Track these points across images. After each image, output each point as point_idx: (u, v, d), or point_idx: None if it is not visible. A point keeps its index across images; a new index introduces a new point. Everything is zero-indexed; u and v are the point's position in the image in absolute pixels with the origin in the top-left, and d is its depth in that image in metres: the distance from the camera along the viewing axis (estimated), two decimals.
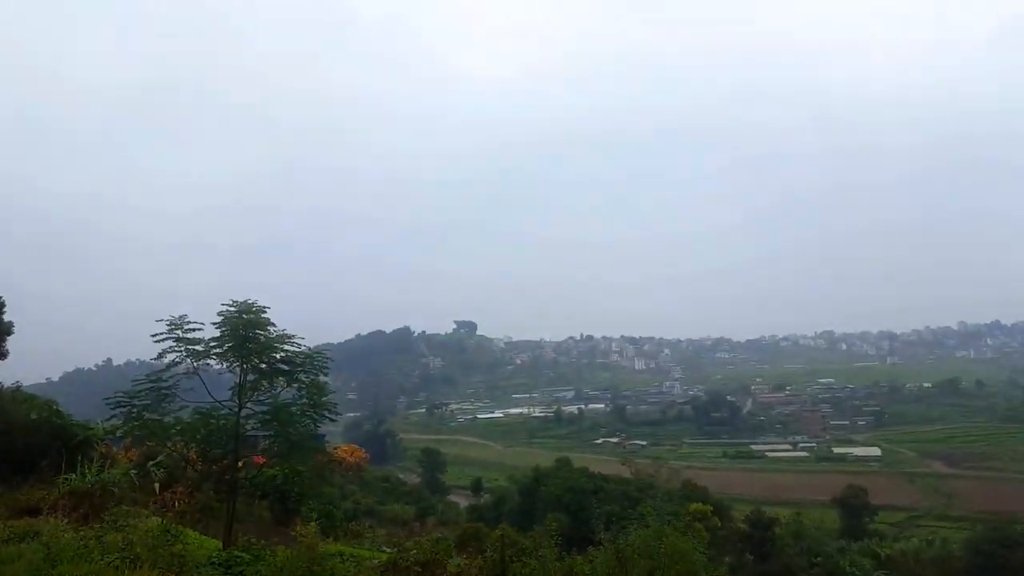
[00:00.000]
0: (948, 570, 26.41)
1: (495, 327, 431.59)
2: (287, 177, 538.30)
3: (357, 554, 17.17)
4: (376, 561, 15.35)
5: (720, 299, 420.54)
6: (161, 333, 16.47)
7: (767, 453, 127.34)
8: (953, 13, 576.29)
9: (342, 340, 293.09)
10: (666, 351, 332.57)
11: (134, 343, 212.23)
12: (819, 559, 25.43)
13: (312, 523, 11.29)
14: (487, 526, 27.64)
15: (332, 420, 19.66)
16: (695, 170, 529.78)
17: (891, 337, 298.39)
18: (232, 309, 16.67)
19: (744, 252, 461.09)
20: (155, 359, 16.70)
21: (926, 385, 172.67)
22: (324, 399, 18.57)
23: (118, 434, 18.31)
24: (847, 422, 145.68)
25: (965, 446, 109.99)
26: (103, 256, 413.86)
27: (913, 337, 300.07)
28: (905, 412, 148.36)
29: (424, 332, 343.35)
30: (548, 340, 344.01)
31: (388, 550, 19.29)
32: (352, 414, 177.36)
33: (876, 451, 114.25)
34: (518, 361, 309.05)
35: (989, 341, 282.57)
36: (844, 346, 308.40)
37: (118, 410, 16.42)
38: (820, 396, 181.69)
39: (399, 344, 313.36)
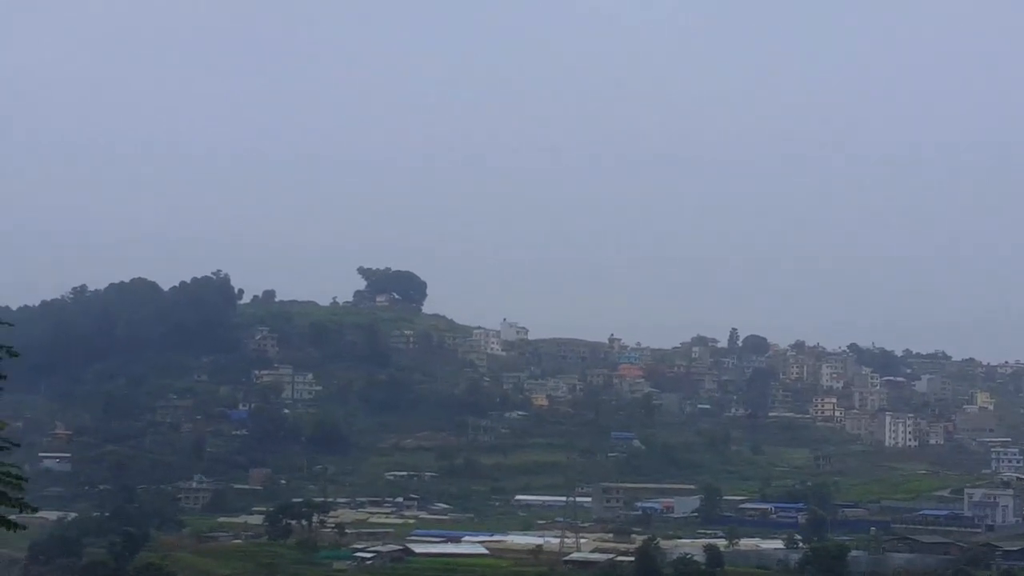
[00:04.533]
0: None
1: (471, 308, 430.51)
2: None
3: None
4: None
5: None
6: None
7: None
8: None
9: (36, 303, 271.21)
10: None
11: None
12: None
13: None
14: None
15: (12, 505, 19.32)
16: None
17: None
18: None
19: None
20: None
21: None
22: None
23: None
24: None
25: None
26: None
27: None
28: None
29: (272, 295, 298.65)
30: (634, 344, 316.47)
31: None
32: (58, 514, 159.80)
33: None
34: (541, 400, 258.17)
35: None
36: None
37: None
38: None
39: (196, 322, 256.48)
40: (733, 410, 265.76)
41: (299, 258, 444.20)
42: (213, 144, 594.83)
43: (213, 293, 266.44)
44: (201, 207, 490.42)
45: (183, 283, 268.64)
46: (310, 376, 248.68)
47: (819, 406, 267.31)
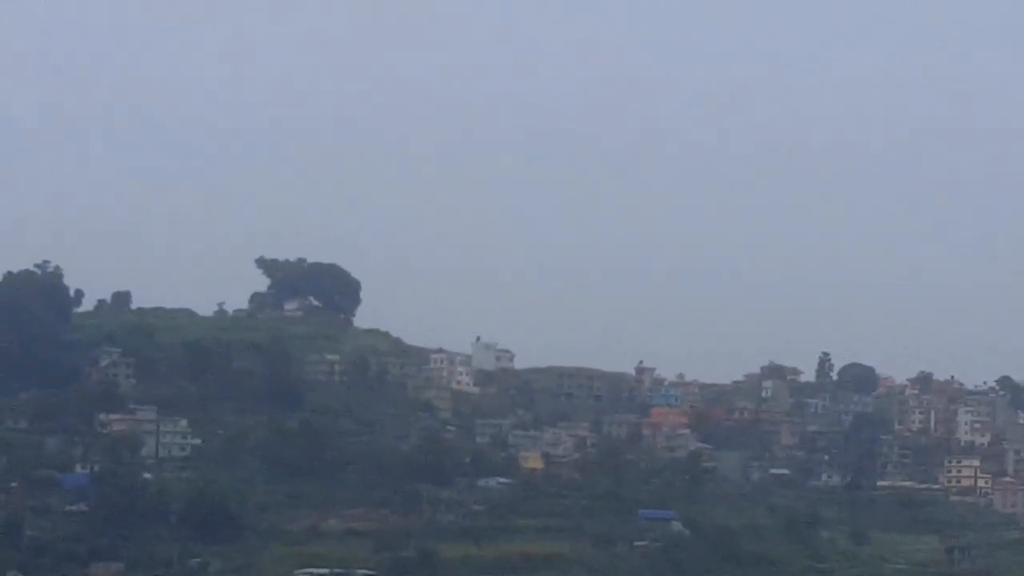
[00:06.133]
0: None
1: (429, 322, 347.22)
2: None
3: None
4: None
5: None
6: None
7: None
8: None
9: None
10: None
11: None
12: None
13: None
14: None
15: None
16: None
17: None
18: None
19: None
20: None
21: None
22: None
23: None
24: None
25: None
26: None
27: None
28: None
29: (127, 300, 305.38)
30: (674, 377, 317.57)
31: None
32: None
33: None
34: (533, 460, 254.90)
35: None
36: None
37: None
38: None
39: (10, 339, 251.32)
40: (824, 477, 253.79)
41: (167, 245, 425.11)
42: (35, 95, 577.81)
43: (37, 296, 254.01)
44: (22, 176, 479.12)
45: None
46: (183, 423, 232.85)
47: (954, 471, 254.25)
